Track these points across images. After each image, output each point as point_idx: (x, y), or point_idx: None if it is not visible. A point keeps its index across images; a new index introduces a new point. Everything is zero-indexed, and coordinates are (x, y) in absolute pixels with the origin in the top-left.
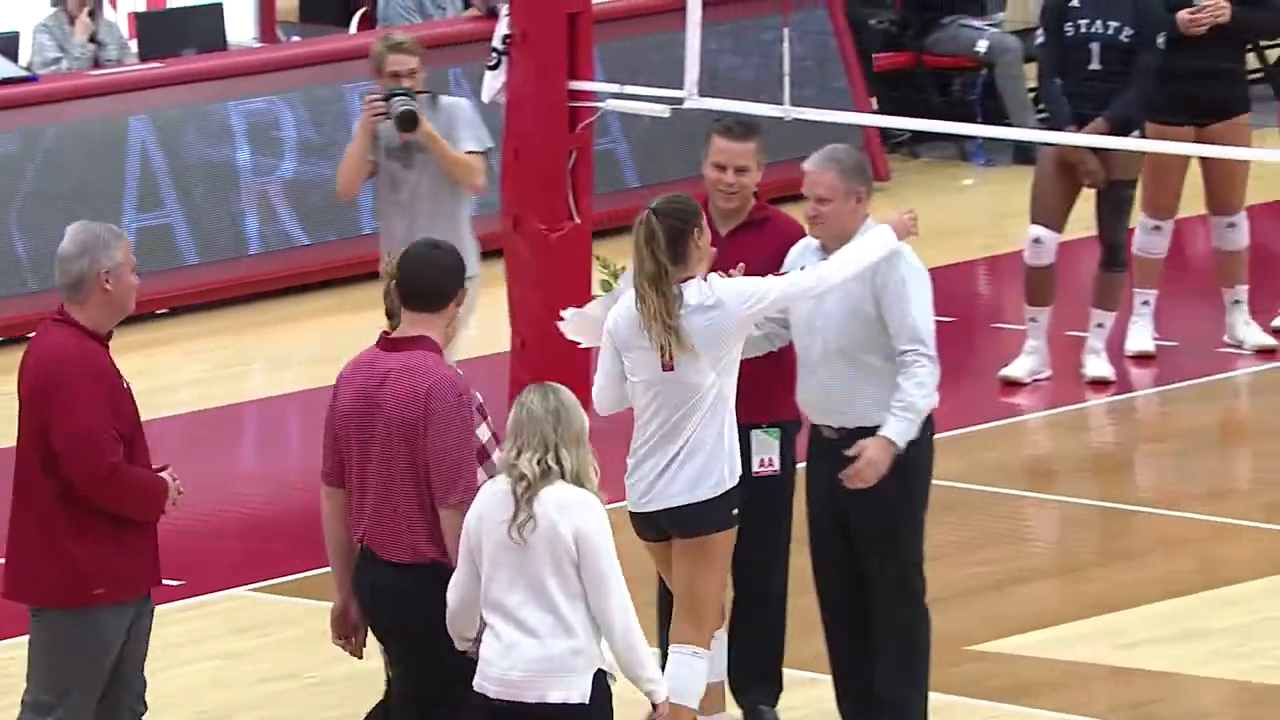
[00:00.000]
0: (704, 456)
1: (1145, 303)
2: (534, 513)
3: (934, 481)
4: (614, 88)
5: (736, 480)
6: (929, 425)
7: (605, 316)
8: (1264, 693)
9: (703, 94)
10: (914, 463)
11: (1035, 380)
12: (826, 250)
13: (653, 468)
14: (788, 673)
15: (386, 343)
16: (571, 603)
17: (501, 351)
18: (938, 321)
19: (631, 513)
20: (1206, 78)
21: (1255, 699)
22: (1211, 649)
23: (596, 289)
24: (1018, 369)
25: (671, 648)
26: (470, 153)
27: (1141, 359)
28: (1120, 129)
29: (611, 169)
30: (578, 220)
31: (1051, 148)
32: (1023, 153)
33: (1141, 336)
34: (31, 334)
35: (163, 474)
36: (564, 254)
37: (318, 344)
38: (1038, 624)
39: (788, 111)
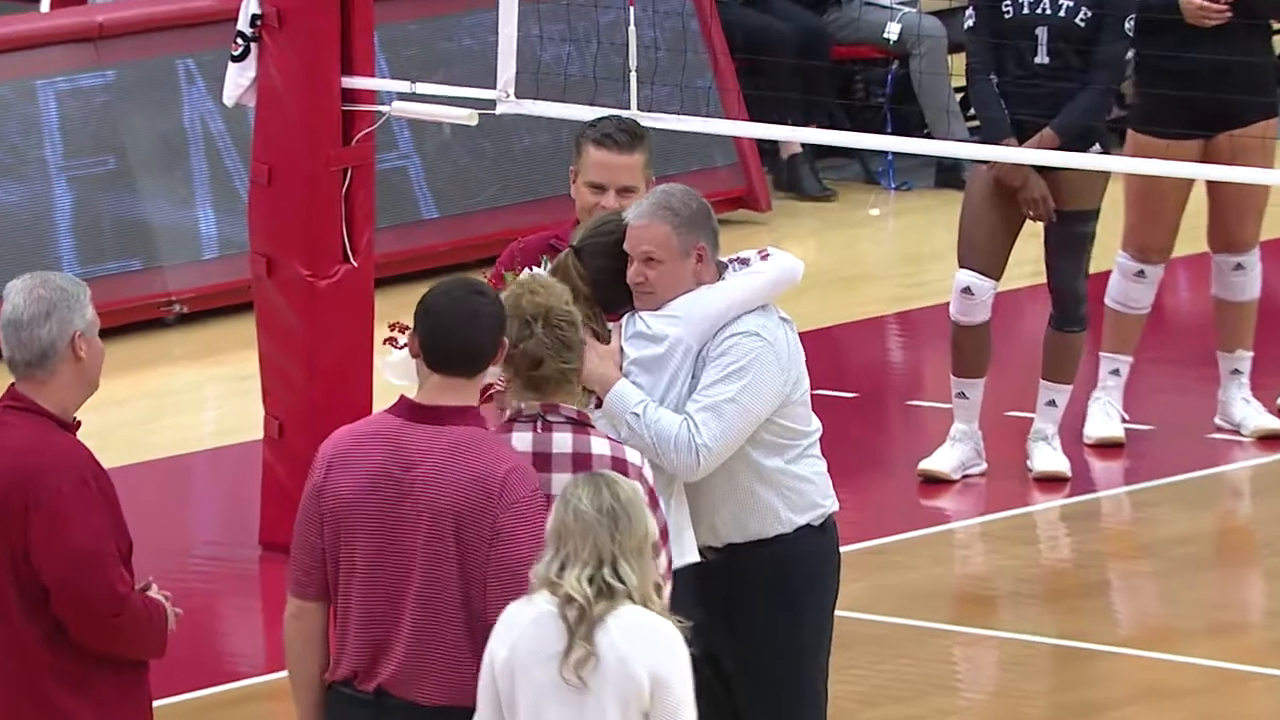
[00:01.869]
0: None
1: (1115, 372)
2: (596, 647)
3: (836, 613)
4: (403, 86)
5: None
6: (826, 539)
7: None
8: None
9: (522, 94)
10: (805, 597)
11: (966, 476)
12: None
13: None
14: None
15: (413, 410)
16: None
17: (251, 440)
18: (836, 397)
19: None
20: (1220, 75)
21: None
22: None
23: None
24: (943, 461)
25: None
26: None
27: (1107, 447)
28: (1075, 141)
29: (400, 195)
30: (354, 263)
31: (985, 167)
32: (948, 173)
33: (1107, 418)
34: None
35: (151, 594)
36: (336, 308)
37: None
38: None
39: (635, 118)
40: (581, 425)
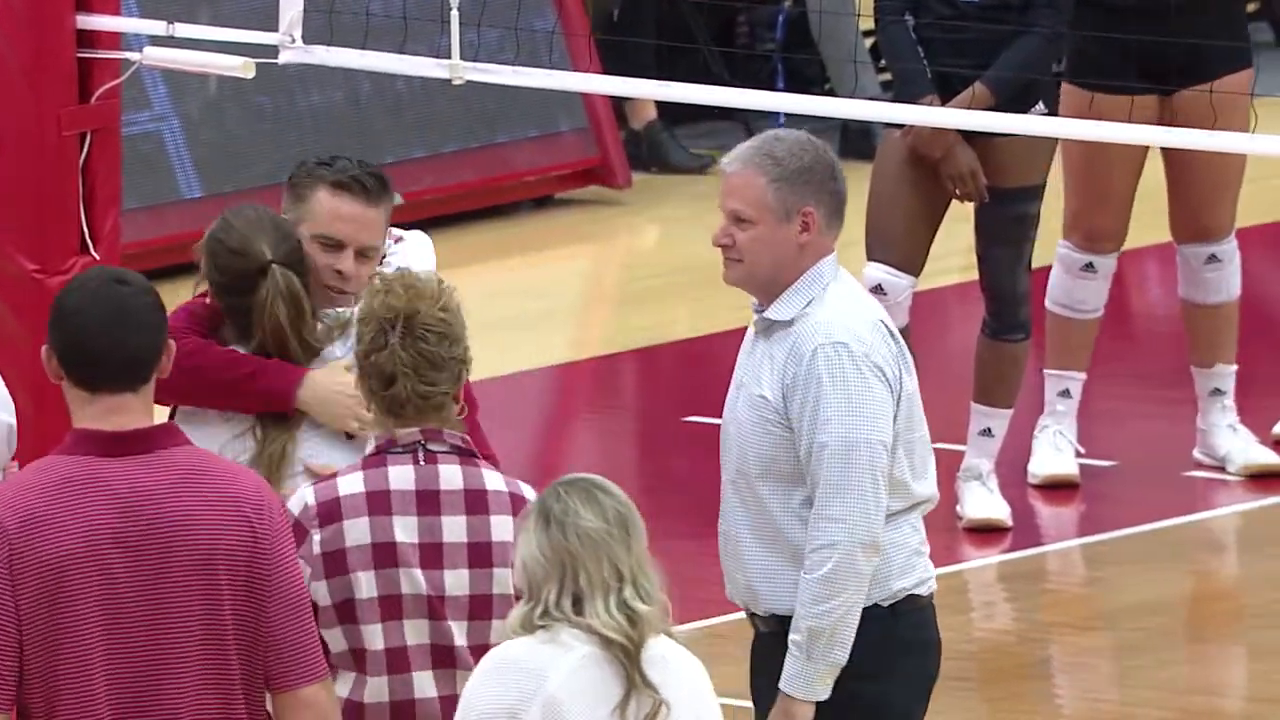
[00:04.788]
0: None
1: (1065, 394)
2: (657, 691)
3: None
4: (158, 27)
5: None
6: (900, 624)
7: None
8: None
9: (311, 39)
10: (858, 688)
11: None
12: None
13: None
14: None
15: (106, 443)
16: None
17: None
18: (713, 425)
19: None
20: (1179, 14)
21: None
22: None
23: None
24: None
25: None
26: None
27: (1057, 489)
28: (1013, 100)
29: (155, 167)
30: (95, 255)
31: (898, 133)
32: (855, 141)
33: (1057, 452)
34: None
35: None
36: None
37: None
38: None
39: (457, 69)
40: (469, 455)
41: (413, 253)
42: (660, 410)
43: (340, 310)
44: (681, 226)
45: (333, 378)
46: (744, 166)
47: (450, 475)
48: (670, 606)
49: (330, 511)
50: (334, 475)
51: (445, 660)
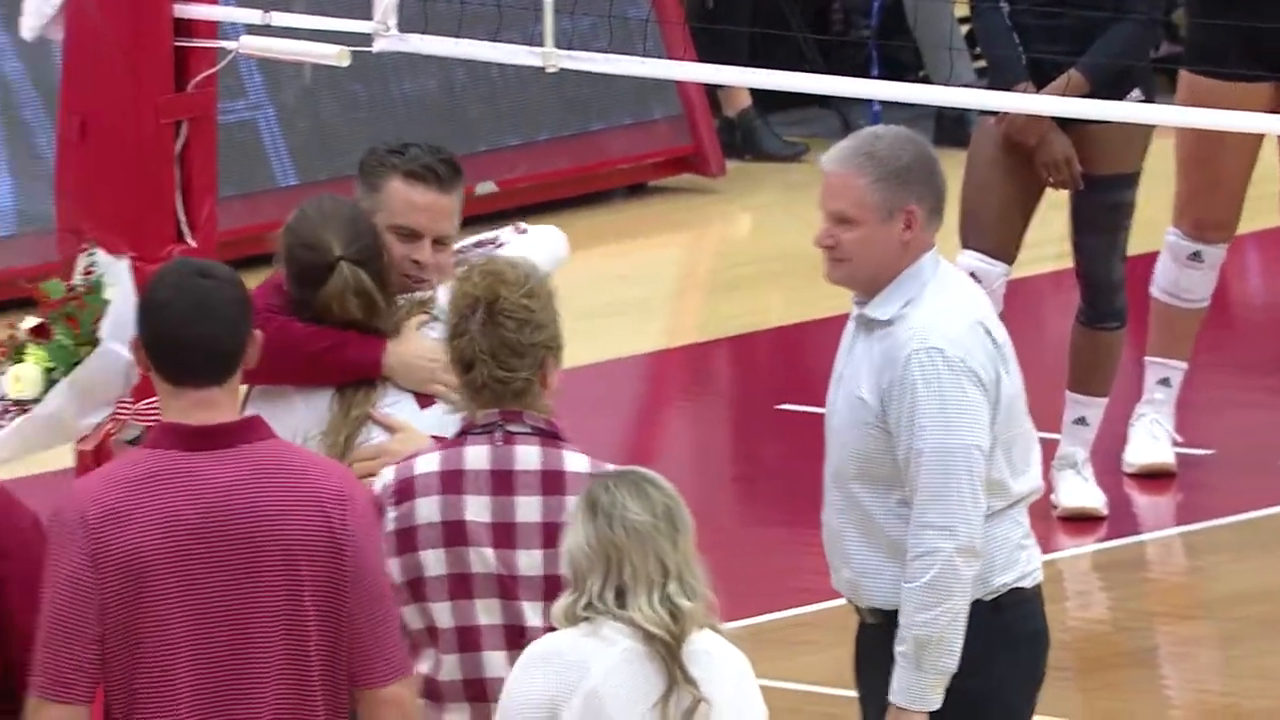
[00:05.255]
0: None
1: (1164, 382)
2: (698, 688)
3: (814, 689)
4: (253, 16)
5: None
6: (1003, 617)
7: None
8: None
9: (406, 28)
10: (964, 685)
11: None
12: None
13: None
14: None
15: (190, 437)
16: None
17: (62, 469)
18: (805, 414)
19: None
20: None
21: None
22: None
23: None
24: None
25: None
26: None
27: (1154, 478)
28: (1109, 87)
29: (250, 155)
30: (192, 243)
31: (992, 120)
32: (951, 128)
33: (1154, 440)
34: None
35: None
36: None
37: None
38: None
39: (551, 57)
40: (552, 437)
41: (526, 248)
42: (754, 398)
43: (414, 294)
44: (775, 214)
45: (416, 344)
46: (844, 167)
47: (527, 456)
48: (716, 602)
49: (405, 489)
50: (415, 455)
51: (518, 641)
